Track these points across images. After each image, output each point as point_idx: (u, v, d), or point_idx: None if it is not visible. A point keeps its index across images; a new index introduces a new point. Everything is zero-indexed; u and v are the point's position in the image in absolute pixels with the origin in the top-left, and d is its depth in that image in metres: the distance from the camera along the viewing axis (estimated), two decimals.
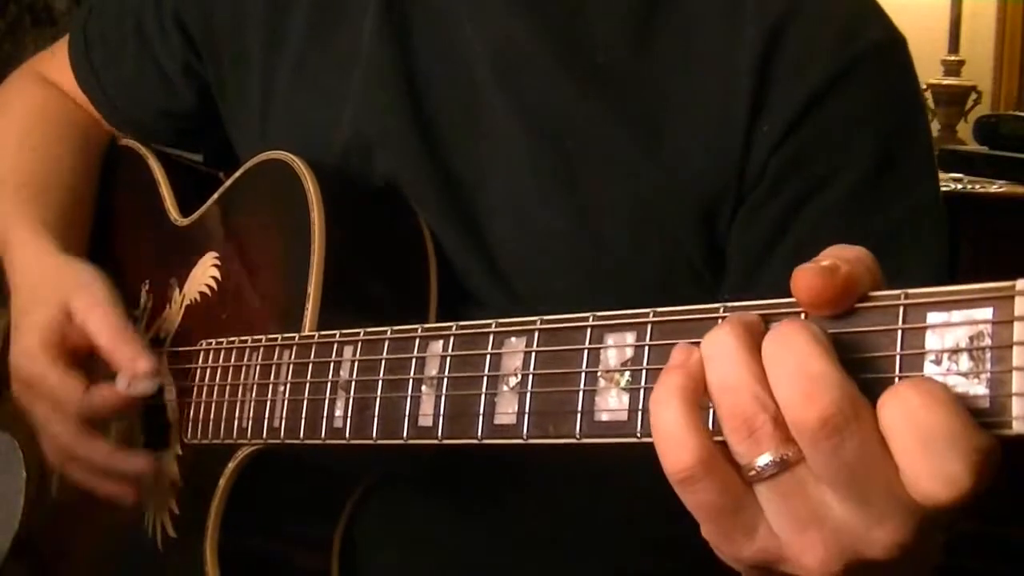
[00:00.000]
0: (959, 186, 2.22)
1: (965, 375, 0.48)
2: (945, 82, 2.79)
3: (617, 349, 0.60)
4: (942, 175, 0.95)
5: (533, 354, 0.64)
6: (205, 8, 1.04)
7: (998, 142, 2.41)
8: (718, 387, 0.53)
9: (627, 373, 0.60)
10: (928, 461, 0.47)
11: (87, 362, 0.95)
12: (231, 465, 0.87)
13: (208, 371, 0.91)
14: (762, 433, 0.51)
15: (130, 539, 0.98)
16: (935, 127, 2.66)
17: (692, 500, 0.53)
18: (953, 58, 2.81)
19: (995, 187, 2.24)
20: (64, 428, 0.94)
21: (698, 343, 0.54)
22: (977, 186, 2.23)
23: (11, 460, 0.94)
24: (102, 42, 1.12)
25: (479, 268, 0.92)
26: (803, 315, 0.53)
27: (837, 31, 0.87)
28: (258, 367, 0.85)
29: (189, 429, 0.92)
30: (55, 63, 1.17)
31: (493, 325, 0.67)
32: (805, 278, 0.52)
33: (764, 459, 0.51)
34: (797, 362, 0.50)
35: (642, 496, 0.75)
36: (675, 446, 0.53)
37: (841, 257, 0.52)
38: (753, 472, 0.52)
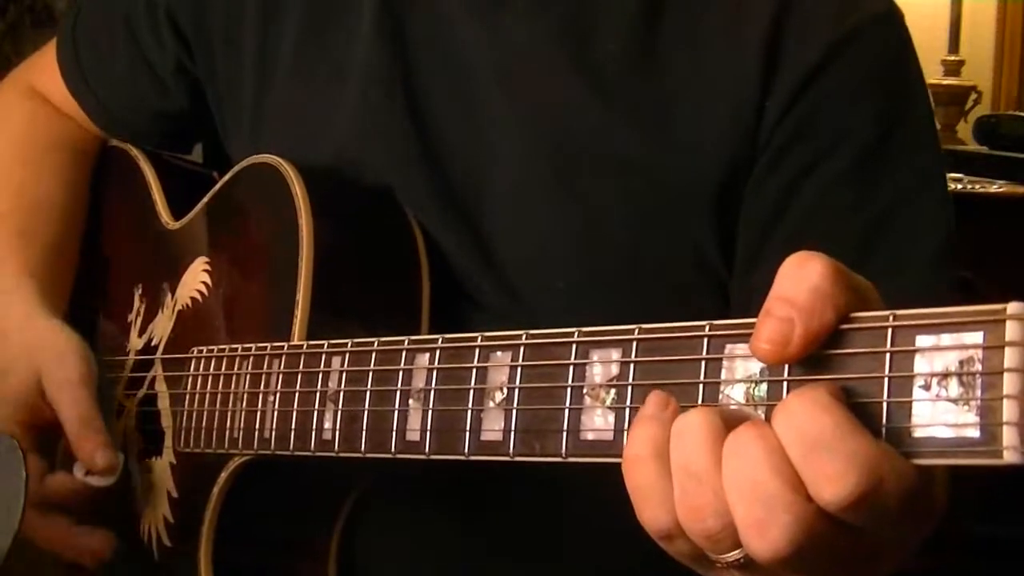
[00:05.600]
0: (959, 186, 2.21)
1: (955, 401, 0.46)
2: (945, 82, 2.77)
3: (602, 365, 0.59)
4: None
5: (519, 369, 0.63)
6: (198, 7, 1.02)
7: (998, 142, 2.41)
8: (680, 468, 0.52)
9: (612, 391, 0.58)
10: (814, 465, 0.48)
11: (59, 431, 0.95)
12: (224, 474, 0.86)
13: (199, 379, 0.90)
14: (722, 538, 0.52)
15: (126, 548, 0.97)
16: None
17: (670, 549, 0.55)
18: (953, 58, 2.80)
19: (995, 187, 2.24)
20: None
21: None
22: (977, 186, 2.22)
23: (11, 460, 0.93)
24: (91, 43, 1.10)
25: (479, 270, 0.91)
26: None
27: (838, 3, 0.87)
28: (248, 376, 0.84)
29: (182, 438, 0.91)
30: (43, 70, 1.13)
31: (479, 339, 0.66)
32: (759, 350, 0.51)
33: (728, 556, 0.52)
34: (749, 477, 0.50)
35: None
36: (653, 505, 0.53)
37: (795, 304, 0.51)
38: (720, 564, 0.53)
